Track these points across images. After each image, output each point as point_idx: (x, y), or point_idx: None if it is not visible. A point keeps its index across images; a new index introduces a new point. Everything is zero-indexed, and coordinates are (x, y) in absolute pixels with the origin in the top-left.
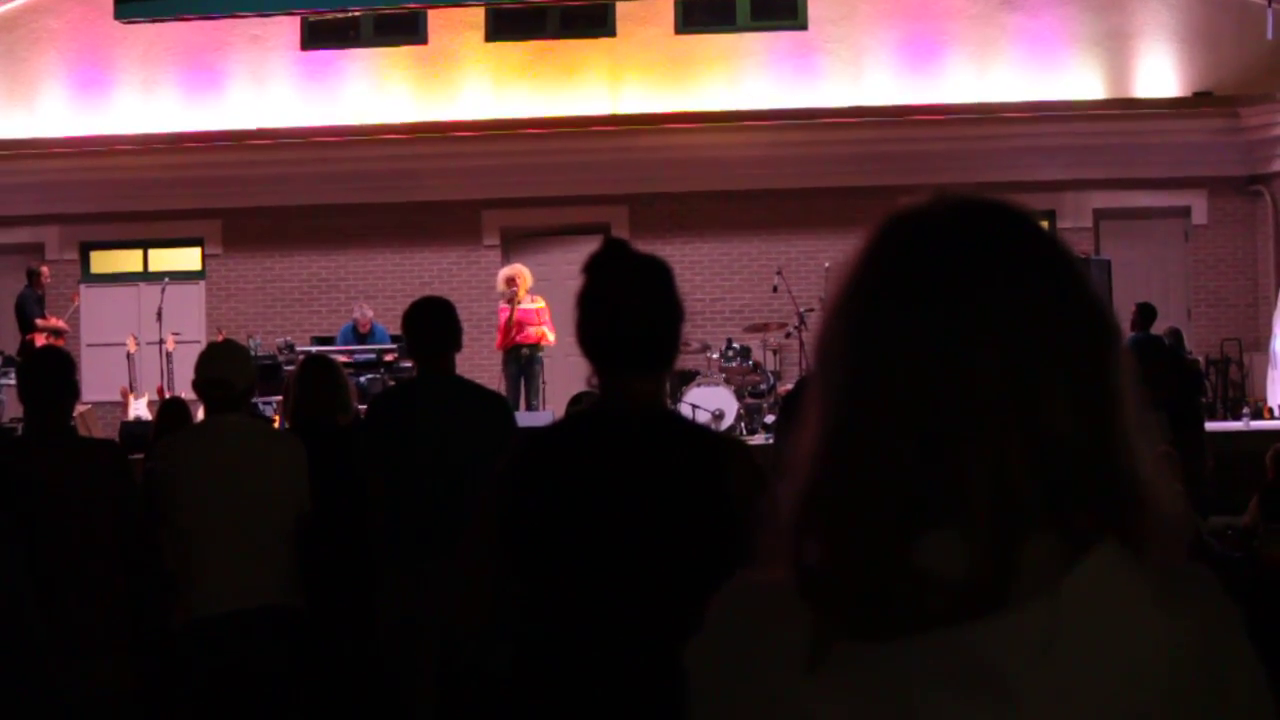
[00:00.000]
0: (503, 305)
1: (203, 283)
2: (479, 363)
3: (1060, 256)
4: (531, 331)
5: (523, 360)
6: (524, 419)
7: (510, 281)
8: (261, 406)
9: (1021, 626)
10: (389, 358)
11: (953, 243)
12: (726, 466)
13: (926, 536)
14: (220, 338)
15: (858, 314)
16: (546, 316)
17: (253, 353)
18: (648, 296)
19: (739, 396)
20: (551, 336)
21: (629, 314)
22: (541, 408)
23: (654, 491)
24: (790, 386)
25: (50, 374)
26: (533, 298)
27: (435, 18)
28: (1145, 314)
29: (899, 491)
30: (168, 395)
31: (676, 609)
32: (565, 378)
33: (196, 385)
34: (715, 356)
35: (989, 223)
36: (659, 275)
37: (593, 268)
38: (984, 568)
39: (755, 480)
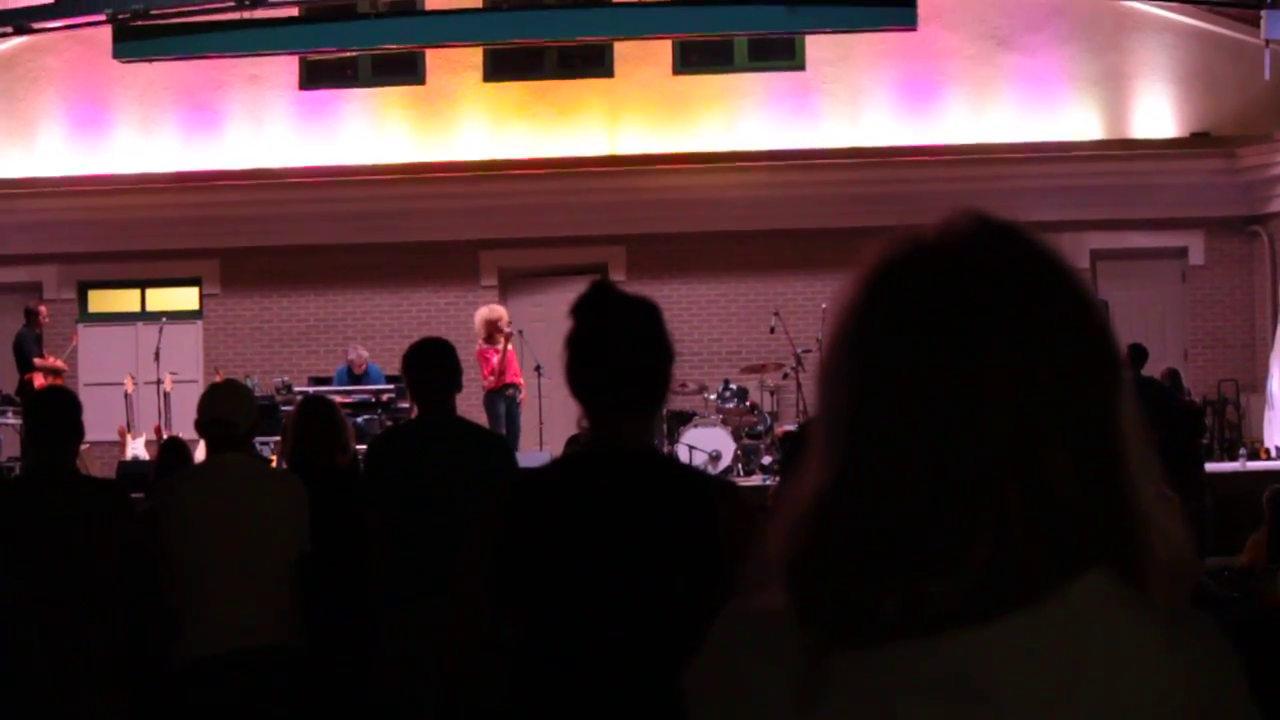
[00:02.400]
0: (490, 347)
1: (200, 322)
2: (476, 403)
3: (1074, 289)
4: (514, 370)
5: (508, 399)
6: (524, 459)
7: (496, 324)
8: (260, 446)
9: (1006, 636)
10: (385, 398)
11: (963, 277)
12: (716, 507)
13: (913, 563)
14: (219, 378)
15: (862, 350)
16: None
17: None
18: (635, 338)
19: (736, 437)
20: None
21: (616, 357)
22: (519, 447)
23: (643, 533)
24: (789, 427)
25: (57, 414)
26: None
27: (433, 58)
28: (1136, 355)
29: (895, 534)
30: (165, 435)
31: (667, 648)
32: (565, 417)
33: (199, 425)
34: (712, 398)
35: (1002, 253)
36: (646, 316)
37: (579, 311)
38: (974, 591)
39: (745, 521)
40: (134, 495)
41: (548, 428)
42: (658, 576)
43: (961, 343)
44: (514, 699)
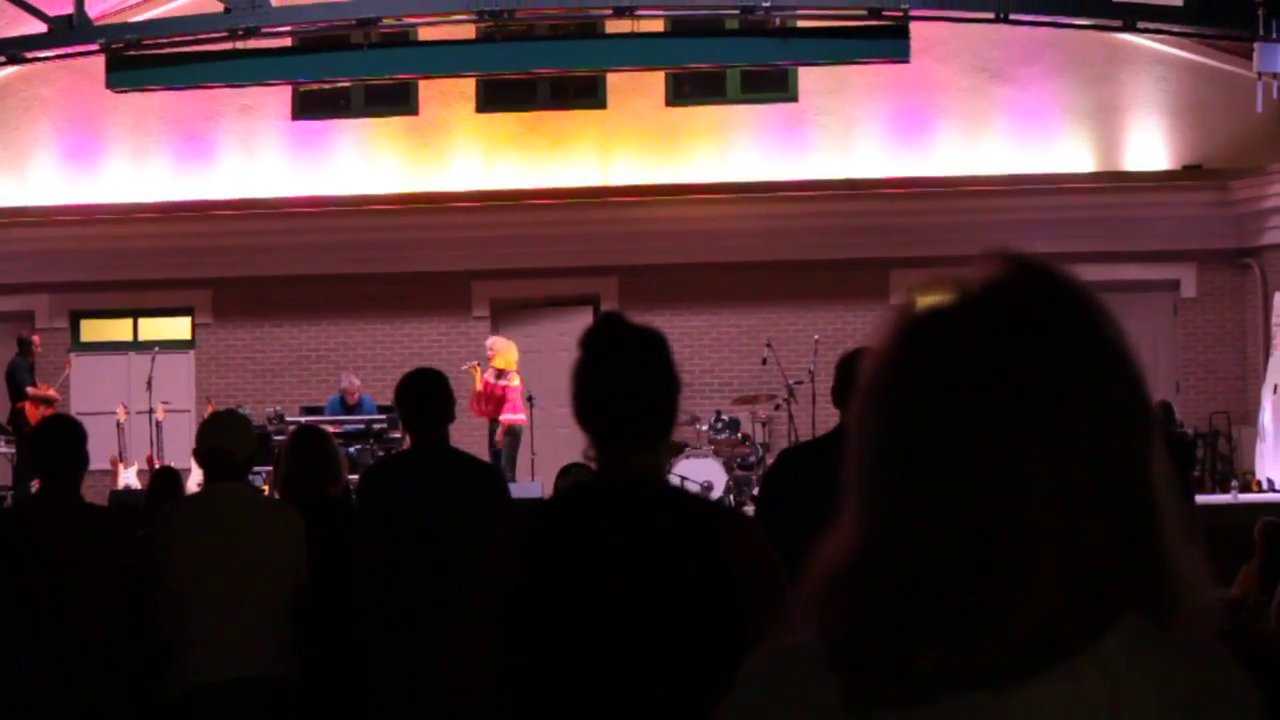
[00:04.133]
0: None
1: (192, 352)
2: (469, 433)
3: (1110, 338)
4: (484, 405)
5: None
6: (515, 490)
7: (493, 354)
8: (252, 476)
9: (1043, 692)
10: (377, 428)
11: (1003, 331)
12: (726, 539)
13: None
14: (210, 408)
15: (899, 405)
16: (515, 397)
17: None
18: (644, 370)
19: (728, 468)
20: (509, 418)
21: (626, 389)
22: (513, 478)
23: (653, 565)
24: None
25: (62, 442)
26: (509, 376)
27: (426, 88)
28: None
29: (936, 597)
30: (157, 465)
31: (675, 682)
32: (555, 448)
33: (198, 453)
34: (704, 428)
35: (1041, 304)
36: (655, 348)
37: (588, 342)
38: (1012, 656)
39: (756, 551)
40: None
41: (539, 459)
42: (665, 610)
43: (1001, 404)
44: None
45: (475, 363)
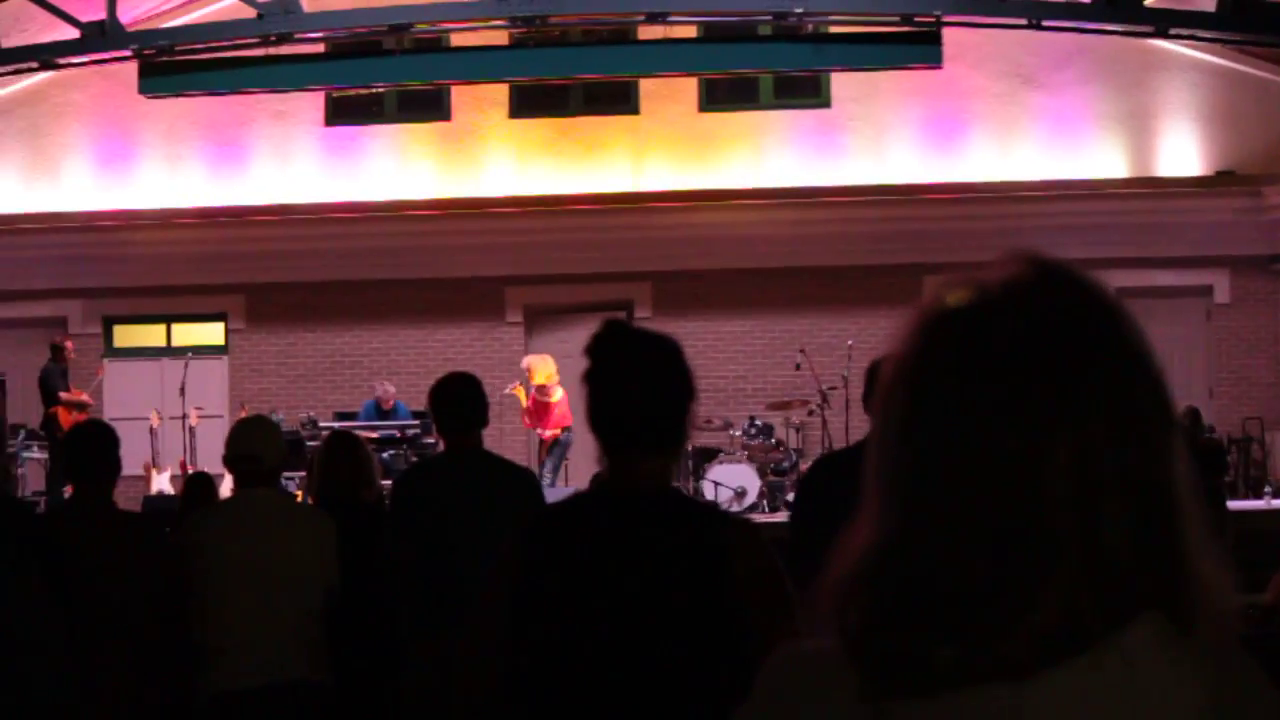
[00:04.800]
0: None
1: (226, 358)
2: (502, 439)
3: (1131, 339)
4: (530, 420)
5: (541, 442)
6: (550, 494)
7: (530, 371)
8: (285, 482)
9: (1062, 685)
10: (411, 433)
11: (1024, 328)
12: (731, 548)
13: (975, 622)
14: (244, 413)
15: (921, 400)
16: (558, 411)
17: None
18: (650, 377)
19: (761, 474)
20: (547, 433)
21: (630, 396)
22: (564, 485)
23: (655, 573)
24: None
25: (96, 447)
26: (549, 391)
27: (459, 94)
28: None
29: (957, 591)
30: (190, 470)
31: (679, 688)
32: (587, 454)
33: (227, 460)
34: (738, 434)
35: (1062, 303)
36: (664, 354)
37: (593, 349)
38: (1032, 643)
39: (761, 560)
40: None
41: (572, 465)
42: (669, 617)
43: (1022, 398)
44: None
45: (518, 383)
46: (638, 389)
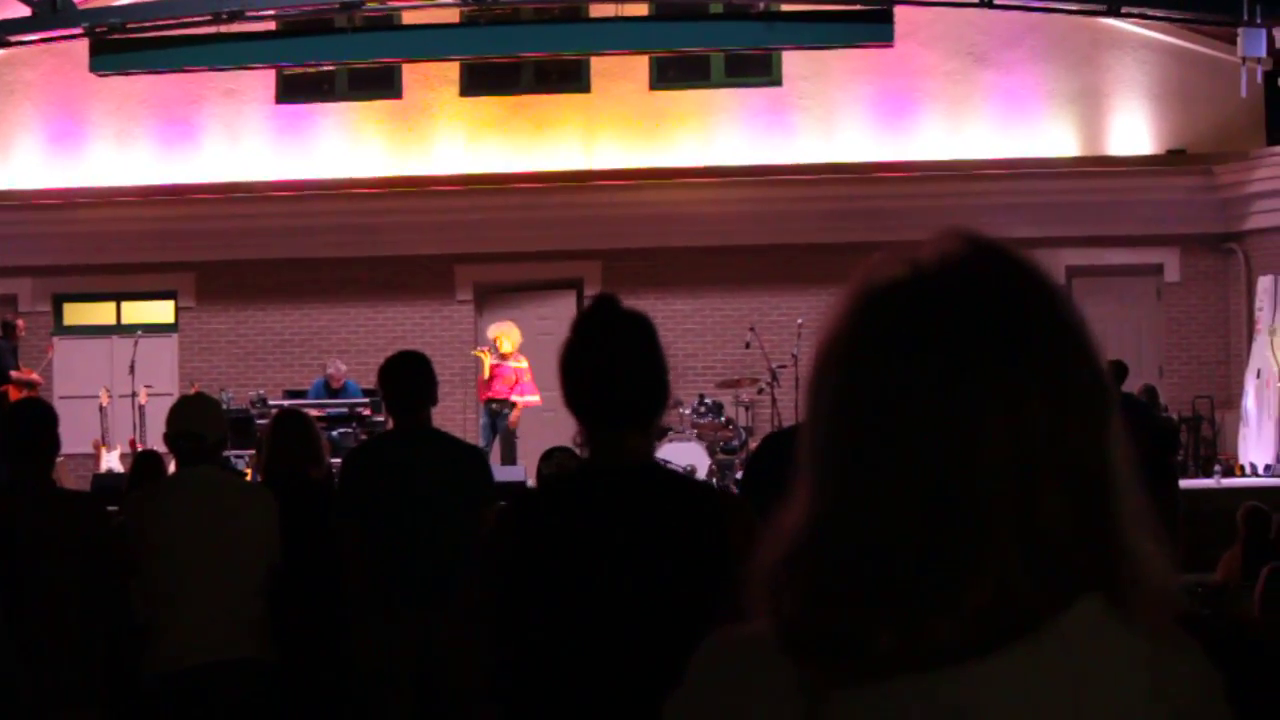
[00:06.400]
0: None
1: (175, 336)
2: (451, 417)
3: (1066, 315)
4: (498, 387)
5: (493, 413)
6: (500, 473)
7: (498, 339)
8: (234, 460)
9: (1003, 670)
10: (362, 412)
11: (957, 304)
12: (724, 521)
13: (910, 603)
14: (193, 390)
15: (854, 377)
16: (525, 378)
17: (225, 406)
18: (638, 353)
19: (711, 452)
20: (523, 399)
21: (622, 372)
22: (516, 462)
23: (652, 547)
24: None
25: (33, 426)
26: (516, 358)
27: (410, 72)
28: (1117, 372)
29: (892, 571)
30: (140, 448)
31: (673, 665)
32: (538, 433)
33: (167, 438)
34: (687, 412)
35: (996, 279)
36: (646, 331)
37: (582, 325)
38: (971, 625)
39: (753, 535)
40: (109, 508)
41: (521, 442)
42: (666, 591)
43: (957, 373)
44: (510, 716)
45: (485, 347)
46: (630, 365)
